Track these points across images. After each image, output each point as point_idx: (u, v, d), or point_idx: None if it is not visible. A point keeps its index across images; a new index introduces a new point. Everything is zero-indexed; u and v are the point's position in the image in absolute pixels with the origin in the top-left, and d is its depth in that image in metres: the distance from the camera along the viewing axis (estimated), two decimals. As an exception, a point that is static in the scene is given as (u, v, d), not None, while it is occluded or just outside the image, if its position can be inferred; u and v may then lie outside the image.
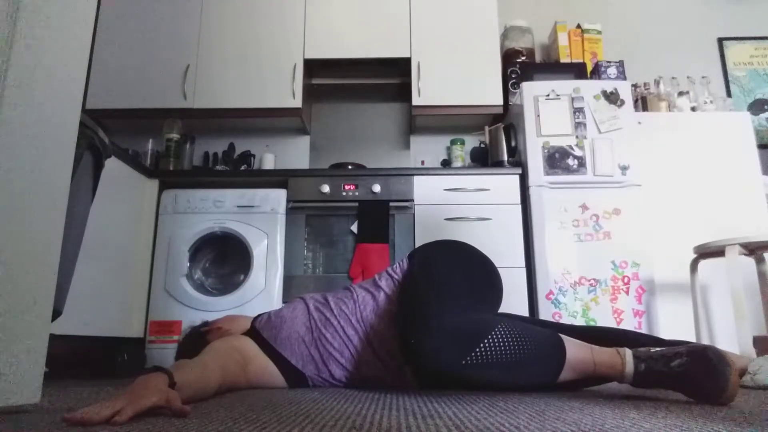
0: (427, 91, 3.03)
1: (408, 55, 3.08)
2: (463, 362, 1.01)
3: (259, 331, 1.33)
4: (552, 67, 3.09)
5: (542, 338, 1.07)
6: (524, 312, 2.42)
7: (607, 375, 1.05)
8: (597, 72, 2.95)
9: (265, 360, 1.27)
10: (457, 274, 1.27)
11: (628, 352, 1.02)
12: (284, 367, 1.28)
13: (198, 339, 1.40)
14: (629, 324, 2.35)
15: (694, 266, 2.27)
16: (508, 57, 3.19)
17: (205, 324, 1.48)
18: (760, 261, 2.18)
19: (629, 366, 1.00)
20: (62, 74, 0.91)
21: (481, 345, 1.02)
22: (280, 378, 1.28)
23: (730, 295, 1.98)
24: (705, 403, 0.91)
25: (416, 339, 1.05)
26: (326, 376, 1.29)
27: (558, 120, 2.60)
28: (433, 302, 1.14)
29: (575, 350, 1.06)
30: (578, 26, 3.23)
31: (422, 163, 3.27)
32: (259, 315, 1.41)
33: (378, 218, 2.54)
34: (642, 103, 2.95)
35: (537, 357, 1.05)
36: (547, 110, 2.61)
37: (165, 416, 0.74)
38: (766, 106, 3.40)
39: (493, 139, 2.89)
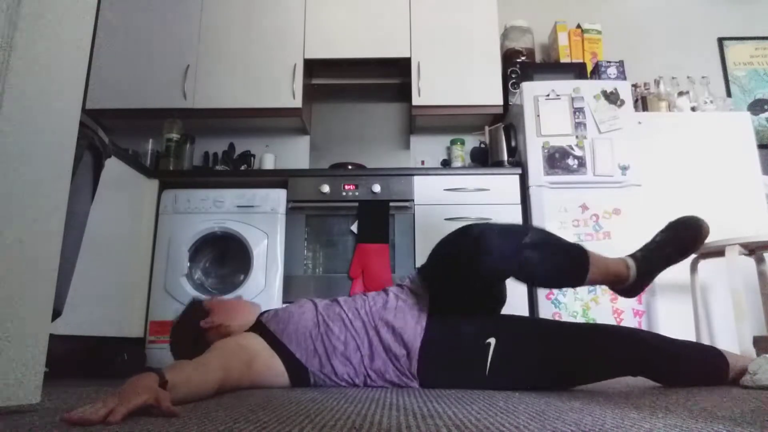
0: (427, 91, 3.02)
1: (408, 55, 3.08)
2: (522, 243, 1.18)
3: (265, 324, 1.32)
4: (552, 67, 3.09)
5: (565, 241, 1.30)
6: (524, 312, 2.42)
7: (618, 274, 1.26)
8: (597, 72, 2.95)
9: (270, 355, 1.26)
10: None
11: (630, 261, 1.28)
12: (288, 361, 1.27)
13: (194, 333, 1.36)
14: (629, 324, 2.35)
15: (694, 266, 2.27)
16: (508, 57, 3.19)
17: (199, 303, 1.42)
18: (760, 261, 2.18)
19: (633, 271, 1.26)
20: (62, 74, 0.91)
21: (527, 234, 1.22)
22: (283, 374, 1.27)
23: (730, 295, 1.98)
24: (686, 255, 1.34)
25: (476, 245, 1.18)
26: (328, 371, 1.28)
27: (558, 120, 2.60)
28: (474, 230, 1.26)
29: (594, 254, 1.26)
30: (578, 26, 3.23)
31: (422, 163, 3.27)
32: (266, 311, 1.41)
33: (378, 218, 2.54)
34: (642, 103, 2.95)
35: (568, 248, 1.27)
36: (547, 110, 2.61)
37: (157, 416, 0.74)
38: (766, 106, 3.40)
39: (493, 139, 2.89)
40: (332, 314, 1.33)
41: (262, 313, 1.40)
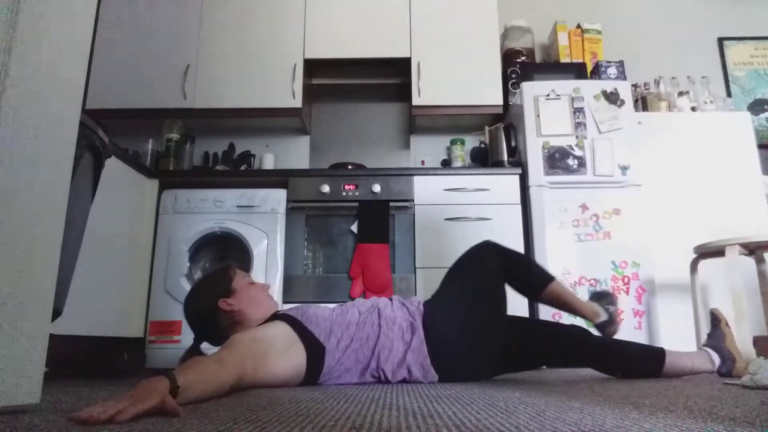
0: (427, 91, 3.03)
1: (408, 55, 3.08)
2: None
3: (285, 312, 1.37)
4: (552, 67, 3.09)
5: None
6: (525, 312, 2.42)
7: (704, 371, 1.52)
8: (597, 72, 2.95)
9: (288, 341, 1.27)
10: None
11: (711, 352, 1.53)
12: (308, 342, 1.30)
13: (209, 309, 1.38)
14: (629, 324, 2.35)
15: (694, 266, 2.27)
16: (508, 57, 3.19)
17: (229, 279, 1.42)
18: (760, 261, 2.18)
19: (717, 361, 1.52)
20: (62, 74, 0.91)
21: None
22: (301, 361, 1.28)
23: (730, 295, 1.98)
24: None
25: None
26: (344, 344, 1.34)
27: (558, 120, 2.60)
28: None
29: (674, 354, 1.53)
30: (578, 26, 3.24)
31: (422, 163, 3.27)
32: (279, 311, 1.45)
33: (378, 218, 2.54)
34: (642, 103, 2.95)
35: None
36: (547, 110, 2.61)
37: (163, 417, 0.75)
38: (766, 106, 3.40)
39: (493, 139, 2.89)
40: (348, 305, 1.47)
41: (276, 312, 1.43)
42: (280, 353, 1.24)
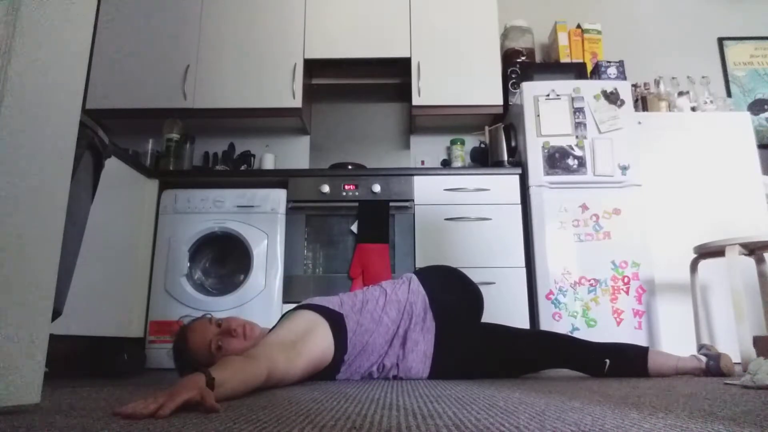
0: (427, 91, 3.02)
1: (408, 55, 3.08)
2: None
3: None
4: (552, 67, 3.09)
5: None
6: (524, 312, 2.42)
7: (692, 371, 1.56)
8: (597, 72, 2.95)
9: (312, 320, 1.38)
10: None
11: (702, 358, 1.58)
12: (325, 314, 1.41)
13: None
14: (629, 324, 2.35)
15: (694, 266, 2.27)
16: (508, 57, 3.19)
17: (206, 317, 1.48)
18: (760, 261, 2.18)
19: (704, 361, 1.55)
20: (62, 74, 0.91)
21: None
22: (327, 333, 1.37)
23: (730, 295, 1.98)
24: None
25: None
26: (358, 306, 1.52)
27: (558, 120, 2.60)
28: None
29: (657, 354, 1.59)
30: (578, 26, 3.23)
31: (422, 163, 3.27)
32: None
33: (378, 218, 2.54)
34: (642, 103, 2.95)
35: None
36: (547, 110, 2.61)
37: (201, 412, 0.78)
38: (766, 106, 3.40)
39: (493, 139, 2.89)
40: (357, 292, 1.63)
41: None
42: (308, 334, 1.32)
